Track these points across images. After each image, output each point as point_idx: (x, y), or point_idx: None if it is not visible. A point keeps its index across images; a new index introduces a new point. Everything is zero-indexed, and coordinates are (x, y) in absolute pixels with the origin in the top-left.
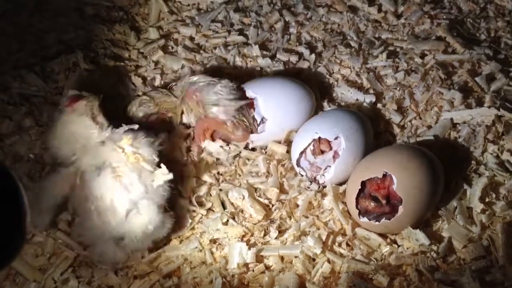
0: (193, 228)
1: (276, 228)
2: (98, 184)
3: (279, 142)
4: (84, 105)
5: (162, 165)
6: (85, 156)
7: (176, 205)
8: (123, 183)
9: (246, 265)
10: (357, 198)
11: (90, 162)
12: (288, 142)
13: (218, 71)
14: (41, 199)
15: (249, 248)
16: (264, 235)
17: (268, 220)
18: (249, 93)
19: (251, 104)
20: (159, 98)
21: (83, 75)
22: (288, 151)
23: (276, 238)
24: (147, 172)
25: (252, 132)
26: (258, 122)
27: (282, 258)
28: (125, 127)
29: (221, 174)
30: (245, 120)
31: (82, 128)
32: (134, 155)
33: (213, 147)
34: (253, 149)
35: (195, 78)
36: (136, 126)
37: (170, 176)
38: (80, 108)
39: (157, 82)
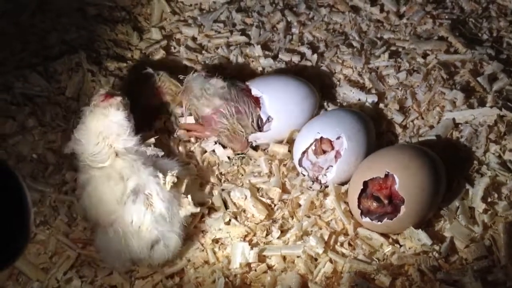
0: (195, 228)
1: (278, 228)
2: (130, 209)
3: (282, 142)
4: (119, 100)
5: (188, 196)
6: (119, 162)
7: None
8: (154, 213)
9: (248, 264)
10: (359, 198)
11: (127, 179)
12: (291, 142)
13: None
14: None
15: (252, 248)
16: (266, 235)
17: (270, 220)
18: (255, 91)
19: (257, 103)
20: (166, 80)
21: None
22: (290, 151)
23: (278, 238)
24: (175, 202)
25: (248, 142)
26: (264, 120)
27: (284, 258)
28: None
29: (223, 174)
30: (241, 130)
31: (116, 122)
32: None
33: (219, 151)
34: (257, 147)
35: (200, 72)
36: (161, 153)
37: (198, 209)
38: (116, 103)
39: None
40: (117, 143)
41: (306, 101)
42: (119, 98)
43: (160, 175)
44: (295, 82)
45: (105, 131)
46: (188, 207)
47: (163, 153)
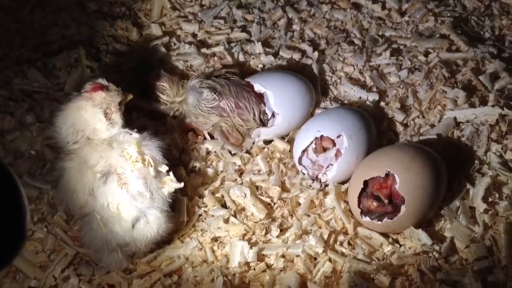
0: (194, 226)
1: (277, 226)
2: (104, 193)
3: (284, 138)
4: (102, 97)
5: (170, 173)
6: (87, 151)
7: (176, 203)
8: (130, 191)
9: (247, 263)
10: (359, 197)
11: (95, 165)
12: (291, 141)
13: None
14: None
15: (251, 247)
16: (266, 233)
17: (269, 219)
18: (258, 87)
19: (260, 99)
20: (166, 82)
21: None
22: (290, 150)
23: (277, 236)
24: (153, 178)
25: (243, 138)
26: (269, 116)
27: (283, 257)
28: (131, 132)
29: (223, 171)
30: (240, 125)
31: (90, 118)
32: (141, 160)
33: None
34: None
35: (196, 81)
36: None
37: (181, 185)
38: (97, 99)
39: None
40: (94, 136)
41: (306, 97)
42: (103, 94)
43: (127, 153)
44: (295, 78)
45: (78, 124)
46: (171, 183)
47: (135, 131)
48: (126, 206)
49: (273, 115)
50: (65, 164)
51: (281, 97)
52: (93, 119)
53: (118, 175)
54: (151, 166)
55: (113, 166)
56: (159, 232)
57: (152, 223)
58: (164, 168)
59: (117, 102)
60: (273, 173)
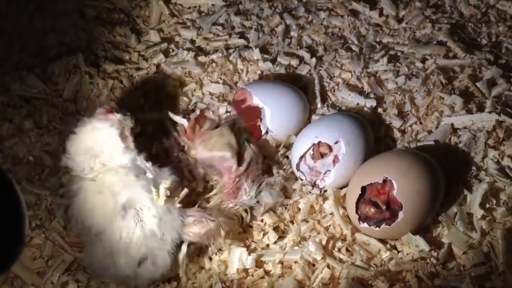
0: None
1: (276, 232)
2: (120, 226)
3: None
4: (118, 119)
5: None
6: (109, 177)
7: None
8: (144, 229)
9: (245, 270)
10: (357, 203)
11: (119, 194)
12: (288, 146)
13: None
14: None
15: (249, 254)
16: (264, 239)
17: (269, 225)
18: (256, 100)
19: (258, 114)
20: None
21: None
22: (288, 156)
23: (276, 242)
24: (168, 219)
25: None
26: (263, 133)
27: (281, 263)
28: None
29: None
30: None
31: (107, 140)
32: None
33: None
34: None
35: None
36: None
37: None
38: (113, 120)
39: None
40: (110, 162)
41: (302, 114)
42: (118, 115)
43: (153, 188)
44: (292, 93)
45: (95, 147)
46: (162, 190)
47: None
48: (137, 243)
49: (267, 131)
50: (85, 184)
51: (276, 114)
52: (110, 141)
53: (136, 210)
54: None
55: (133, 199)
56: (163, 272)
57: (159, 266)
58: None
59: (130, 126)
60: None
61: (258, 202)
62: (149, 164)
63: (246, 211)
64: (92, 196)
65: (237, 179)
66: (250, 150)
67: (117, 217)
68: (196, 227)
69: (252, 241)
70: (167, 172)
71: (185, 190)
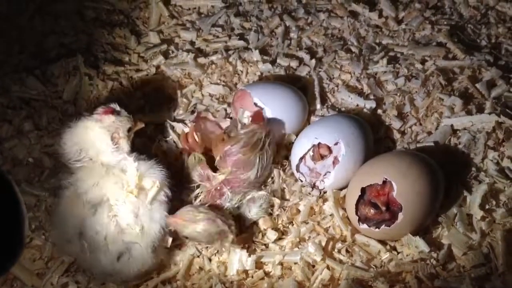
0: None
1: (276, 233)
2: (92, 223)
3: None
4: (111, 120)
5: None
6: (82, 175)
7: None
8: (119, 224)
9: (245, 271)
10: (356, 205)
11: (86, 192)
12: (289, 146)
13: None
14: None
15: (249, 255)
16: (264, 241)
17: (269, 226)
18: (257, 101)
19: (259, 116)
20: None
21: None
22: (287, 157)
23: (275, 243)
24: (146, 212)
25: None
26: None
27: (281, 264)
28: (135, 160)
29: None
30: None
31: (96, 139)
32: (136, 193)
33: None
34: None
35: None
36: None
37: (157, 183)
38: (106, 121)
39: None
40: (97, 158)
41: (302, 114)
42: (112, 118)
43: (125, 182)
44: (292, 94)
45: (83, 143)
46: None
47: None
48: (113, 238)
49: None
50: (64, 192)
51: (276, 115)
52: (99, 141)
53: (109, 205)
54: (154, 190)
55: (105, 195)
56: (144, 267)
57: (136, 259)
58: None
59: (126, 128)
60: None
61: (240, 214)
62: (135, 164)
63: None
64: (66, 203)
65: (218, 186)
66: (253, 174)
67: (88, 214)
68: (208, 225)
69: (252, 242)
70: (154, 168)
71: (157, 184)
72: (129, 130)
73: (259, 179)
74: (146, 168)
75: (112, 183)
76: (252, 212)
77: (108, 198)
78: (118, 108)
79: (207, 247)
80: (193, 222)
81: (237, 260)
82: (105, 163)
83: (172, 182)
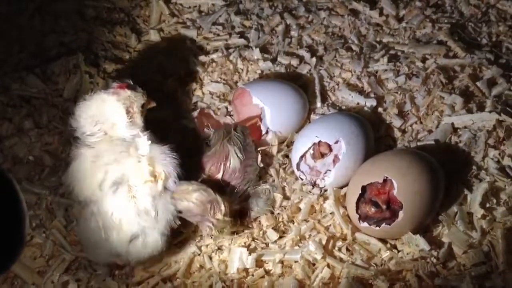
0: (194, 231)
1: (276, 232)
2: (111, 202)
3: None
4: (127, 95)
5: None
6: (104, 147)
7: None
8: (137, 206)
9: (246, 269)
10: (357, 203)
11: (109, 164)
12: (290, 144)
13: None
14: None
15: (250, 254)
16: (264, 239)
17: (270, 225)
18: (256, 101)
19: (258, 114)
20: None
21: None
22: (288, 155)
23: (276, 242)
24: (162, 198)
25: None
26: (263, 133)
27: (282, 262)
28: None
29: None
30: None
31: (112, 112)
32: (152, 179)
33: None
34: None
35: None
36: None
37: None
38: (122, 95)
39: None
40: (112, 132)
41: (302, 112)
42: (128, 92)
43: (146, 168)
44: (292, 91)
45: (99, 116)
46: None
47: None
48: (130, 220)
49: (266, 131)
50: (81, 151)
51: (276, 114)
52: (114, 114)
53: (129, 186)
54: (162, 180)
55: (126, 175)
56: (153, 253)
57: (149, 246)
58: (172, 186)
59: (141, 103)
60: (274, 180)
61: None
62: (149, 142)
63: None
64: (85, 163)
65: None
66: (235, 160)
67: (108, 192)
68: (200, 195)
69: (252, 240)
70: (166, 154)
71: (161, 176)
72: (142, 106)
73: (250, 167)
74: (158, 153)
75: (133, 164)
76: (260, 206)
77: (128, 178)
78: (131, 83)
79: (207, 245)
80: (187, 193)
81: (238, 258)
82: (120, 137)
83: (182, 171)
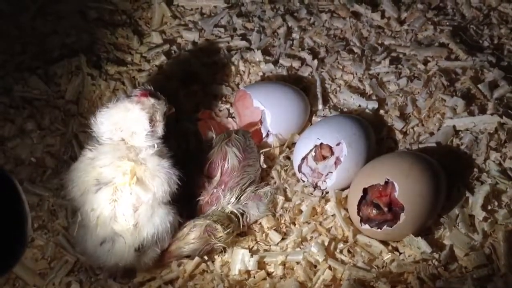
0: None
1: (278, 234)
2: (91, 199)
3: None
4: (151, 103)
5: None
6: (107, 148)
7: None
8: (114, 210)
9: (247, 272)
10: (358, 205)
11: (102, 166)
12: (291, 146)
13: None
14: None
15: (252, 256)
16: (267, 241)
17: (272, 227)
18: (257, 103)
19: (258, 117)
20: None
21: None
22: (289, 157)
23: (277, 244)
24: (148, 210)
25: None
26: (264, 135)
27: (283, 264)
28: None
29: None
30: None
31: (134, 121)
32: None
33: None
34: None
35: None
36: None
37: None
38: (146, 104)
39: None
40: (130, 140)
41: (303, 115)
42: (152, 100)
43: (129, 170)
44: (293, 94)
45: (121, 123)
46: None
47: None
48: (104, 222)
49: (267, 134)
50: (86, 153)
51: (277, 117)
52: (137, 123)
53: (114, 188)
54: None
55: (115, 177)
56: (121, 263)
57: (115, 253)
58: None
59: (163, 111)
60: (276, 182)
61: (243, 212)
62: (165, 159)
63: (241, 215)
64: (82, 163)
65: (214, 190)
66: (233, 160)
67: (92, 190)
68: (192, 234)
69: (255, 242)
70: (165, 169)
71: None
72: (164, 113)
73: (250, 167)
74: (155, 166)
75: (124, 167)
76: (260, 209)
77: (116, 181)
78: (153, 90)
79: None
80: (183, 240)
81: (240, 260)
82: (135, 146)
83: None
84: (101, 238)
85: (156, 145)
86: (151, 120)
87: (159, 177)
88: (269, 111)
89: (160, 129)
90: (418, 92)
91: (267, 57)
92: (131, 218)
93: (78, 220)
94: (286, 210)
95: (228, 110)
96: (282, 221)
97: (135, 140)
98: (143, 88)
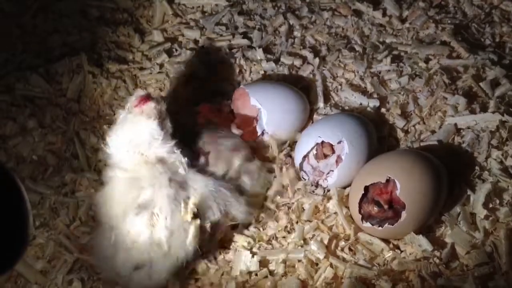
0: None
1: (280, 232)
2: (130, 221)
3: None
4: (152, 107)
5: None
6: (143, 170)
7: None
8: (152, 236)
9: (249, 272)
10: (360, 203)
11: (144, 188)
12: (292, 144)
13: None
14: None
15: (253, 256)
16: (268, 239)
17: (274, 225)
18: (254, 101)
19: (254, 115)
20: None
21: None
22: (291, 155)
23: (279, 242)
24: (182, 236)
25: None
26: (259, 134)
27: (284, 262)
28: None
29: None
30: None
31: (146, 133)
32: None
33: None
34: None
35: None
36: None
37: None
38: (149, 110)
39: None
40: (148, 152)
41: (302, 116)
42: (153, 104)
43: (182, 202)
44: (292, 95)
45: (136, 139)
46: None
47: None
48: (141, 247)
49: (262, 133)
50: (117, 173)
51: (274, 116)
52: (149, 133)
53: (152, 214)
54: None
55: (154, 202)
56: (151, 282)
57: (153, 279)
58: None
59: (164, 108)
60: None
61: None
62: (184, 160)
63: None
64: (121, 184)
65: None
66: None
67: (131, 212)
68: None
69: (256, 240)
70: (199, 180)
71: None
72: (165, 109)
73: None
74: (207, 191)
75: (165, 195)
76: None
77: (155, 205)
78: (146, 92)
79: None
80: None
81: (241, 258)
82: (158, 156)
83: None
84: (136, 262)
85: (174, 150)
86: (161, 122)
87: (211, 208)
88: (265, 110)
89: (168, 127)
90: (420, 90)
91: (269, 55)
92: (167, 243)
93: (112, 239)
94: (288, 208)
95: (229, 107)
96: (285, 220)
97: (153, 150)
98: (138, 95)
